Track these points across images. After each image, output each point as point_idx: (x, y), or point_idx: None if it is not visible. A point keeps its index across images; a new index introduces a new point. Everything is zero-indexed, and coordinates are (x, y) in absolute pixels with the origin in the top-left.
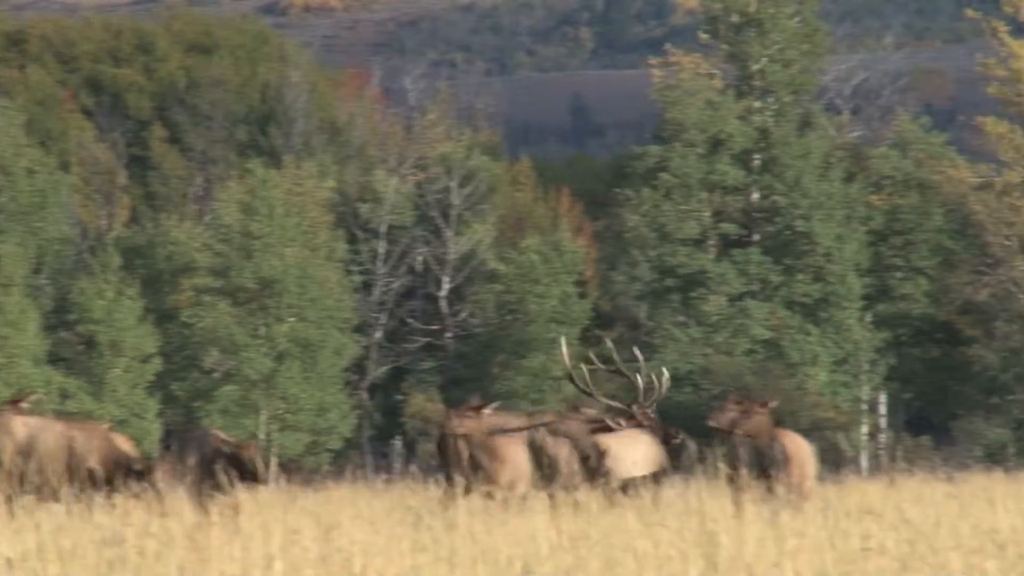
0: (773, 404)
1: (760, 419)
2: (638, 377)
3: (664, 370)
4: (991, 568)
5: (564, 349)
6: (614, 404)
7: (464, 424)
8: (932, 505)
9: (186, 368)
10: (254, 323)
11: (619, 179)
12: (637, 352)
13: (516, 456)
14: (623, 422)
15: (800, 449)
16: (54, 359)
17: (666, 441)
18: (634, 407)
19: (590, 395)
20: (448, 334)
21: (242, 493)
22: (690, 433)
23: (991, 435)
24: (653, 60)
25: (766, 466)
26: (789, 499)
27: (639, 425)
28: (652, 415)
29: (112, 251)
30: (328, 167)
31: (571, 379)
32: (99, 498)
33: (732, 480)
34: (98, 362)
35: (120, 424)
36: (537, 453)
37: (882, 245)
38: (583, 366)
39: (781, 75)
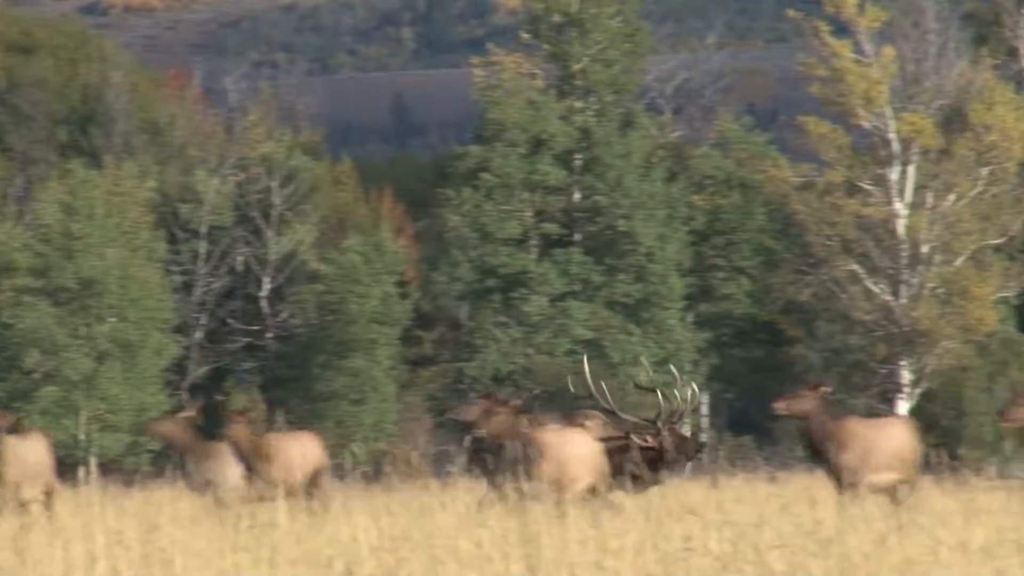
0: (516, 403)
1: (501, 418)
2: (660, 395)
3: (693, 384)
4: (814, 567)
5: (585, 367)
6: (638, 420)
7: (229, 431)
8: (754, 505)
9: (6, 369)
10: (75, 323)
11: (441, 179)
12: (674, 370)
13: (286, 454)
14: (649, 439)
15: (562, 445)
16: None
17: (688, 457)
18: (659, 423)
19: (612, 413)
20: (269, 334)
21: (64, 493)
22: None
23: None
24: (475, 60)
25: (519, 463)
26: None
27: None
28: (678, 430)
29: None
30: (149, 167)
31: (591, 396)
32: None
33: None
34: None
35: None
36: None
37: (704, 245)
38: (603, 384)
39: (603, 75)
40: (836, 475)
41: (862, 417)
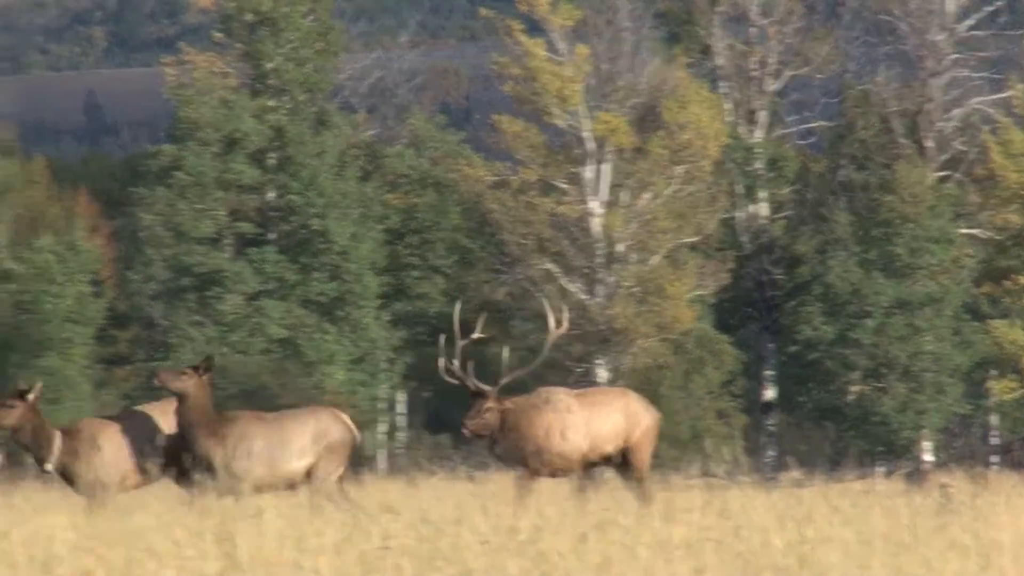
0: (33, 396)
1: (15, 412)
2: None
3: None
4: (512, 566)
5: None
6: None
7: None
8: (453, 503)
9: None
10: None
11: (134, 178)
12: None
13: None
14: None
15: (110, 437)
16: None
17: None
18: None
19: None
20: None
21: None
22: None
23: None
24: (166, 59)
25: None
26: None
27: None
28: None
29: None
30: None
31: None
32: None
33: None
34: None
35: None
36: None
37: (398, 244)
38: None
39: (295, 74)
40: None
41: None
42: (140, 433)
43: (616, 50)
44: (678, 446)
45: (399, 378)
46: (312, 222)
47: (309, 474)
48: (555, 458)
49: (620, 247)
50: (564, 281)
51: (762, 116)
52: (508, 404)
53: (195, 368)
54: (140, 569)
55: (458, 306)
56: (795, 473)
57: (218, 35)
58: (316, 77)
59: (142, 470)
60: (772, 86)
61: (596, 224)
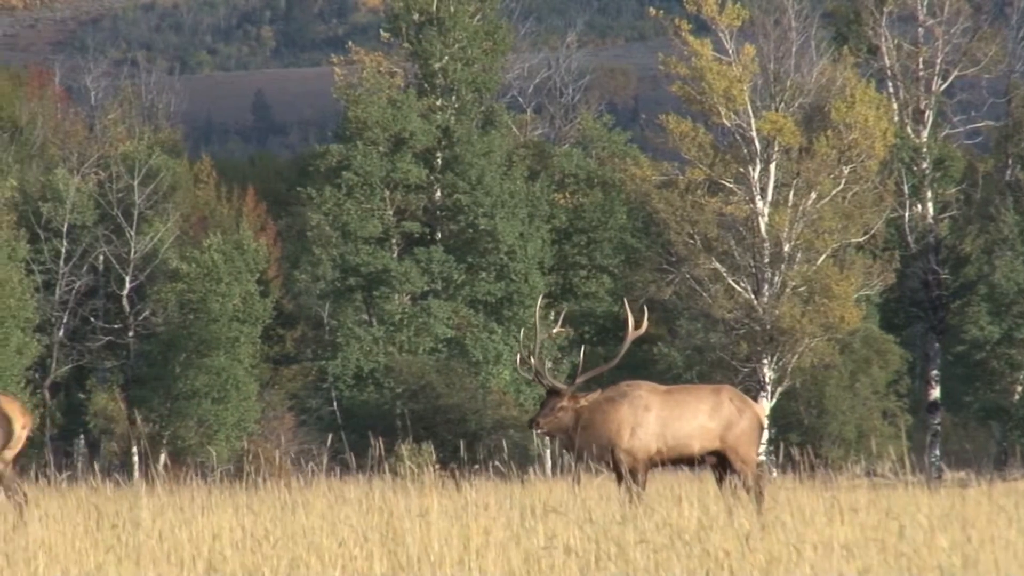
0: None
1: None
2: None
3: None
4: (676, 566)
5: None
6: None
7: None
8: (618, 503)
9: None
10: None
11: (302, 177)
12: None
13: None
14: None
15: None
16: None
17: None
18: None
19: None
20: (130, 333)
21: None
22: (373, 432)
23: None
24: (335, 58)
25: None
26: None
27: None
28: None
29: None
30: (9, 166)
31: None
32: None
33: None
34: None
35: None
36: None
37: (566, 243)
38: None
39: (463, 73)
40: None
41: None
42: None
43: (783, 50)
44: (844, 446)
45: (565, 377)
46: (479, 222)
47: None
48: (623, 455)
49: (786, 247)
50: (730, 280)
51: (929, 116)
52: (583, 402)
53: None
54: (305, 568)
55: (539, 301)
56: (960, 473)
57: (386, 35)
58: (483, 77)
59: None
60: (939, 86)
61: (763, 224)
